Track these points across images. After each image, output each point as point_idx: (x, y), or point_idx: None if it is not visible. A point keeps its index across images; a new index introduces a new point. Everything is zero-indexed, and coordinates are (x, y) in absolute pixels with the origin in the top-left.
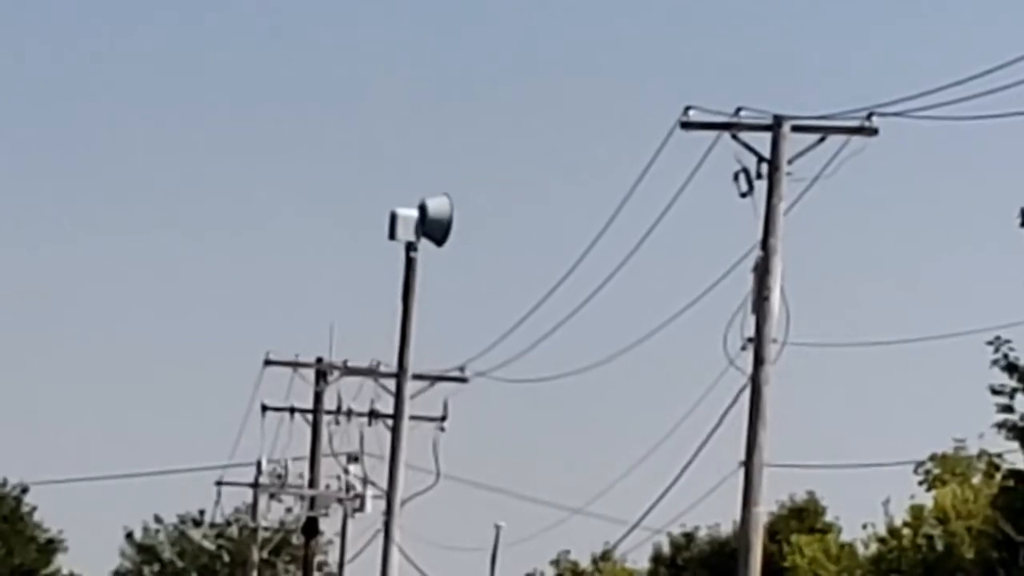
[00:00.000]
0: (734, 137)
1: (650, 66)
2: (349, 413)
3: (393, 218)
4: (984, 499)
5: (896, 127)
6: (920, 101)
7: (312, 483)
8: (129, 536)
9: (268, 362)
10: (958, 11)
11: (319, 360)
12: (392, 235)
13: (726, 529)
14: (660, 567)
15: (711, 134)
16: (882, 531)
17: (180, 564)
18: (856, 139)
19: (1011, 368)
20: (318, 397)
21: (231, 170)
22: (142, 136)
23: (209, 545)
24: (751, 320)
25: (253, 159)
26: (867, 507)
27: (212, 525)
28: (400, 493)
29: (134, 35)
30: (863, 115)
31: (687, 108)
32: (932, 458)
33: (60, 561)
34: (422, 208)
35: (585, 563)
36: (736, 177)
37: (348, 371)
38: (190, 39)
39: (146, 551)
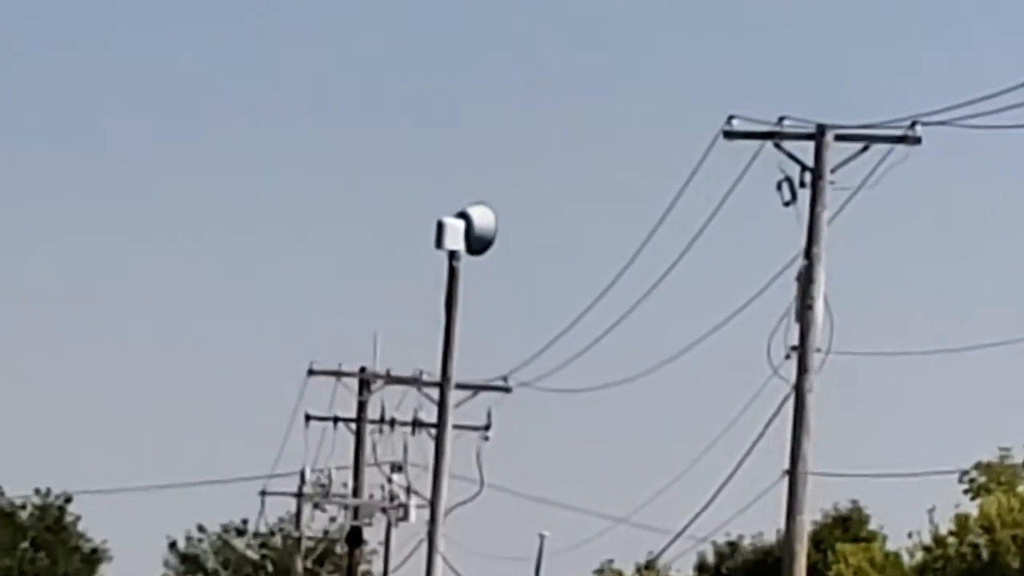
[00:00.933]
0: (777, 146)
1: (693, 75)
2: (393, 422)
3: (440, 227)
4: None
5: (940, 135)
6: (964, 110)
7: (356, 492)
8: (173, 546)
9: (311, 372)
10: (1002, 19)
11: (362, 369)
12: (439, 244)
13: (770, 538)
14: None
15: (754, 143)
16: (927, 540)
17: (224, 574)
18: (900, 148)
19: None
20: (362, 406)
21: (275, 178)
22: (188, 143)
23: (252, 555)
24: (795, 329)
25: (297, 167)
26: (912, 516)
27: (256, 535)
28: (444, 502)
29: (179, 42)
30: (907, 124)
31: (730, 117)
32: (977, 467)
33: (104, 571)
34: (465, 218)
35: (629, 572)
36: (779, 186)
37: (392, 380)
38: (235, 44)
39: (190, 561)
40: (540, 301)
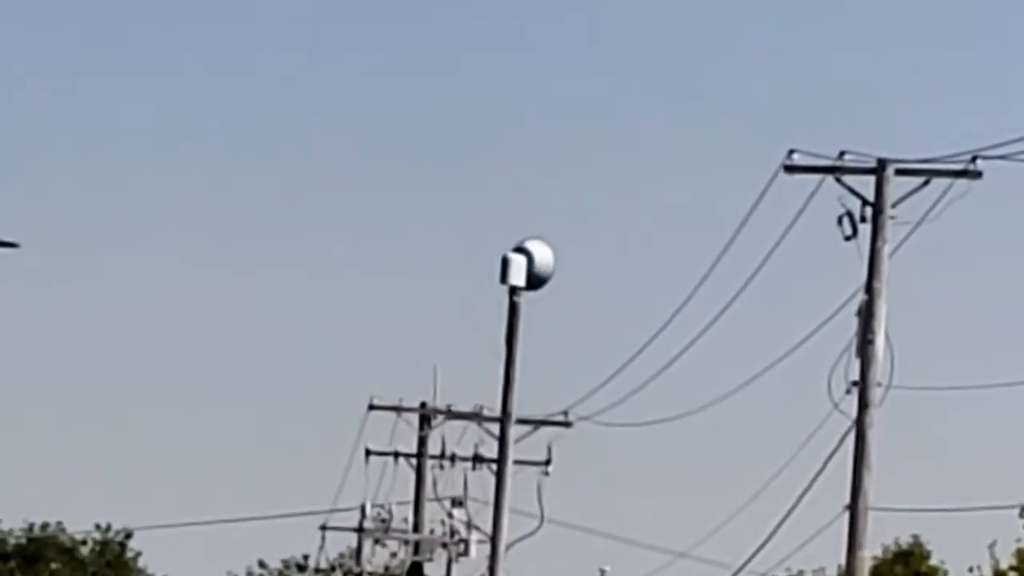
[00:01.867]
0: (838, 180)
1: (753, 109)
2: (453, 458)
3: (504, 263)
4: None
5: (1000, 170)
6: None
7: (416, 527)
8: None
9: (372, 407)
10: None
11: (423, 404)
12: (503, 280)
13: (831, 573)
14: None
15: (815, 177)
16: (988, 575)
17: None
18: (960, 182)
19: None
20: (422, 441)
21: (334, 211)
22: (246, 173)
23: None
24: (855, 364)
25: (356, 199)
26: (973, 551)
27: (317, 571)
28: (504, 538)
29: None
30: (967, 158)
31: (791, 151)
32: None
33: None
34: (526, 253)
35: None
36: (840, 220)
37: (452, 415)
38: (291, 73)
39: None
40: (601, 335)
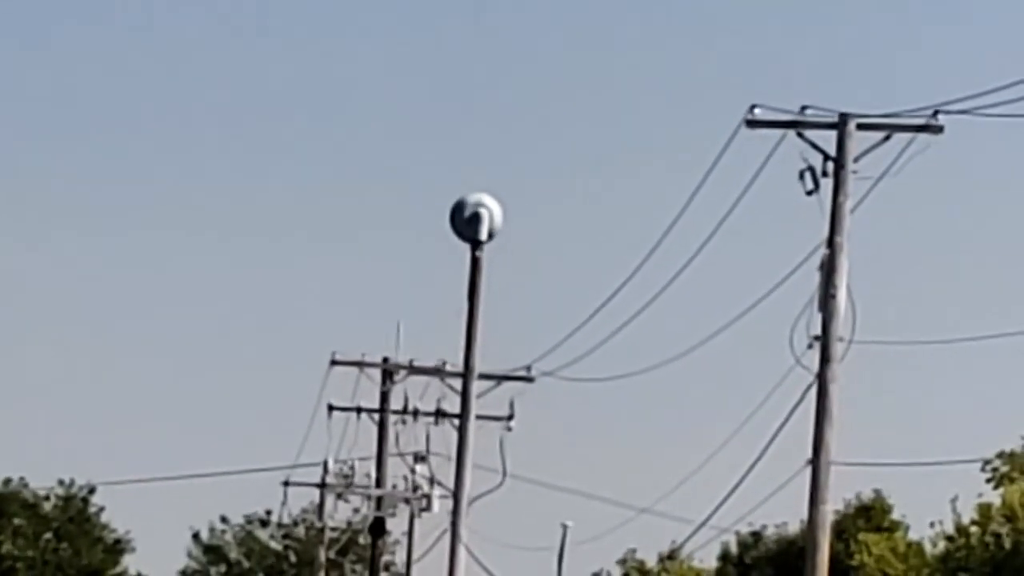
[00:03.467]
0: (799, 135)
1: (715, 64)
2: (415, 413)
3: (472, 219)
4: None
5: (961, 125)
6: (985, 99)
7: (379, 483)
8: (196, 536)
9: (334, 362)
10: None
11: (385, 360)
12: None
13: (793, 528)
14: (728, 566)
15: (776, 132)
16: (950, 529)
17: (247, 564)
18: (922, 137)
19: None
20: (384, 397)
21: (295, 171)
22: (206, 139)
23: (276, 545)
24: (817, 318)
25: (316, 159)
26: (935, 505)
27: (279, 525)
28: (467, 493)
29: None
30: (928, 113)
31: (752, 106)
32: (1000, 456)
33: (127, 561)
34: (482, 207)
35: (652, 562)
36: (802, 175)
37: (414, 371)
38: (259, 43)
39: (213, 551)
40: (562, 290)
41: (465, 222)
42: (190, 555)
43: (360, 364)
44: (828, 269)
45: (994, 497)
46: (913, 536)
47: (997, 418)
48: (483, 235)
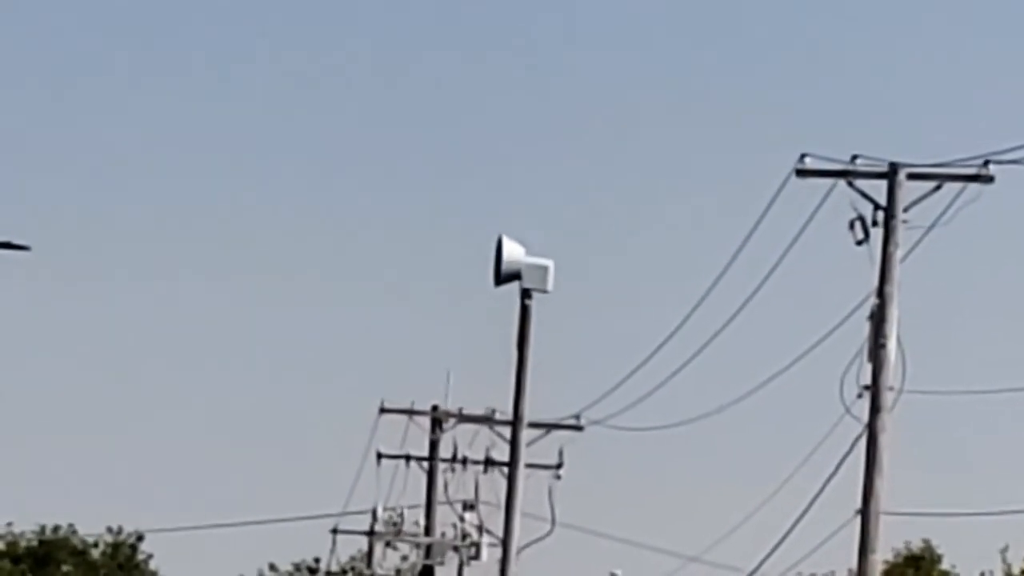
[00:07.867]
0: (850, 184)
1: (766, 113)
2: (465, 461)
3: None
4: None
5: (1012, 174)
6: None
7: (428, 531)
8: None
9: (384, 410)
10: None
11: (435, 408)
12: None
13: None
14: None
15: (827, 181)
16: None
17: None
18: (972, 186)
19: None
20: (434, 445)
21: (347, 218)
22: (258, 174)
23: None
24: (867, 368)
25: (369, 207)
26: (985, 555)
27: (328, 574)
28: (516, 541)
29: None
30: (979, 163)
31: (803, 155)
32: None
33: None
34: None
35: None
36: (852, 225)
37: (464, 419)
38: (305, 81)
39: None
40: (613, 340)
41: (513, 274)
42: None
43: (409, 412)
44: (878, 319)
45: None
46: None
47: None
48: (529, 283)
